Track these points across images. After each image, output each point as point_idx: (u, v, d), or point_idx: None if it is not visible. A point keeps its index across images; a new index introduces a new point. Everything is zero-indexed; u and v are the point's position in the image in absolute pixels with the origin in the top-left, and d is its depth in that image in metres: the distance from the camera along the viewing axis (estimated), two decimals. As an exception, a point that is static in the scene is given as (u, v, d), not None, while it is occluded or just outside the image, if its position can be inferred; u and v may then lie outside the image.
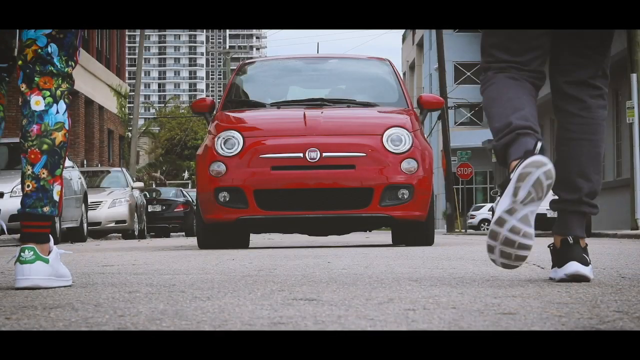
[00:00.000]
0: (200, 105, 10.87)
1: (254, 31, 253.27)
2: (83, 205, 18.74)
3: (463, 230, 40.32)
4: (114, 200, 23.45)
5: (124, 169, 27.03)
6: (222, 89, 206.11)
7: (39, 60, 3.64)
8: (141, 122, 71.63)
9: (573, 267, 3.59)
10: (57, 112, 3.61)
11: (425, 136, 10.54)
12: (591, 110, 3.80)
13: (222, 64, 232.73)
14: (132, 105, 43.50)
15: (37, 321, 2.40)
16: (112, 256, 7.65)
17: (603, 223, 29.67)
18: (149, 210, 30.53)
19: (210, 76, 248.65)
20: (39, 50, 3.63)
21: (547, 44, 3.81)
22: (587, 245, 3.71)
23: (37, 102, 3.61)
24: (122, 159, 43.92)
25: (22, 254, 3.50)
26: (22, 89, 3.66)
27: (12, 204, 15.74)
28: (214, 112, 10.75)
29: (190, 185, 65.92)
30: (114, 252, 9.24)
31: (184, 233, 32.83)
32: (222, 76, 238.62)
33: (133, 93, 43.27)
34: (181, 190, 35.13)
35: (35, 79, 3.63)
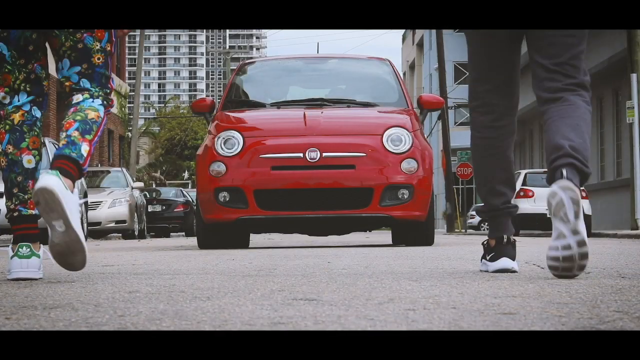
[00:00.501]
0: (200, 105, 10.87)
1: (254, 31, 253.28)
2: (83, 205, 18.75)
3: (463, 230, 40.33)
4: (114, 200, 23.45)
5: (124, 169, 27.03)
6: (222, 89, 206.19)
7: (77, 92, 4.20)
8: (141, 122, 71.63)
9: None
10: (93, 101, 4.14)
11: (425, 136, 10.54)
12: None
13: (222, 64, 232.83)
14: (132, 105, 43.51)
15: (37, 321, 2.40)
16: (112, 256, 7.65)
17: (603, 223, 29.67)
18: (149, 210, 30.53)
19: (210, 76, 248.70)
20: (74, 86, 4.20)
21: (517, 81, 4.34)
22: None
23: (77, 99, 4.17)
24: (122, 159, 43.93)
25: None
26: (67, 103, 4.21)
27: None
28: (214, 112, 10.75)
29: (190, 185, 65.91)
30: (114, 252, 9.24)
31: (184, 233, 32.83)
32: (222, 76, 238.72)
33: (133, 93, 43.28)
34: (181, 190, 35.12)
35: (74, 93, 4.21)
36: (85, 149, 3.98)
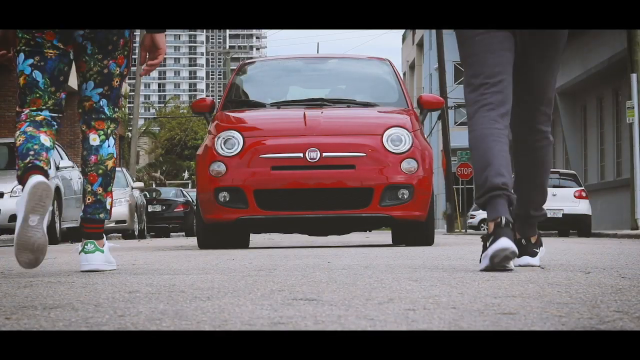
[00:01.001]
0: (200, 105, 10.87)
1: (254, 31, 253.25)
2: (83, 205, 18.73)
3: (463, 230, 40.33)
4: (114, 200, 23.45)
5: (124, 169, 27.02)
6: (222, 89, 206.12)
7: (94, 111, 4.94)
8: (141, 122, 71.61)
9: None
10: (109, 146, 4.96)
11: (425, 136, 10.54)
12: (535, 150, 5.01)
13: (222, 64, 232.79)
14: (132, 105, 43.46)
15: (37, 321, 2.40)
16: (112, 256, 7.64)
17: (603, 223, 29.68)
18: (149, 210, 30.52)
19: (210, 76, 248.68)
20: (94, 104, 4.92)
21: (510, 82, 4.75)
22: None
23: (94, 139, 4.95)
24: (122, 159, 43.92)
25: (85, 246, 4.94)
26: (83, 129, 4.99)
27: (12, 204, 15.74)
28: (214, 112, 10.75)
29: (190, 185, 65.92)
30: (114, 252, 9.23)
31: (184, 233, 32.83)
32: (222, 76, 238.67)
33: (133, 93, 43.23)
34: (181, 190, 35.12)
35: (92, 123, 4.95)
36: (109, 202, 5.10)
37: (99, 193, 5.04)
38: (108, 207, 5.08)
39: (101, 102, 4.91)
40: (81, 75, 4.88)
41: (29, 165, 4.65)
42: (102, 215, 5.06)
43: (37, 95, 4.78)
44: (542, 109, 4.93)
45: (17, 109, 4.87)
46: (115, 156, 5.04)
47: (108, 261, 5.02)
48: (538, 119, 4.95)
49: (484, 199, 4.50)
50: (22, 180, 4.64)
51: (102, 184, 5.01)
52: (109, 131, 4.96)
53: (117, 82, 4.90)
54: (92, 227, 5.03)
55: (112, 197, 5.10)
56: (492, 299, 2.91)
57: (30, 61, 4.78)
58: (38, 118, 4.79)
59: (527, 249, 5.03)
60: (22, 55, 4.77)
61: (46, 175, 4.61)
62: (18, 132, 4.75)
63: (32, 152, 4.66)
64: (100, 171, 4.97)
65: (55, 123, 4.84)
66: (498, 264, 4.33)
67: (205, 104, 10.85)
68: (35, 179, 4.44)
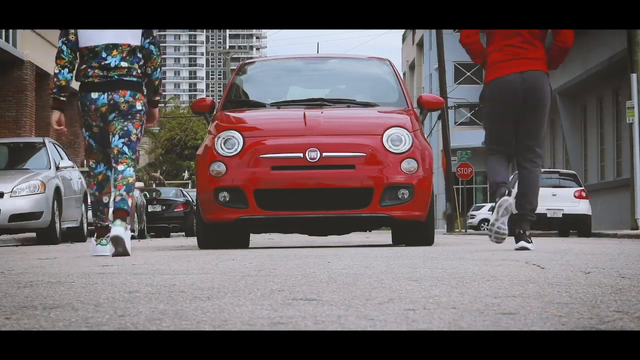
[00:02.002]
0: (200, 105, 10.87)
1: (254, 31, 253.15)
2: (83, 205, 18.73)
3: (463, 230, 40.32)
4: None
5: (124, 169, 26.97)
6: (222, 89, 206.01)
7: (120, 154, 7.77)
8: (141, 122, 71.33)
9: (520, 243, 7.90)
10: (130, 171, 7.76)
11: (425, 136, 10.54)
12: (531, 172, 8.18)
13: (222, 64, 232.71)
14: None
15: (37, 321, 2.40)
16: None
17: (603, 223, 29.67)
18: (149, 210, 30.52)
19: (210, 76, 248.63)
20: (119, 150, 7.78)
21: (513, 139, 8.24)
22: (531, 234, 8.12)
23: (120, 166, 7.74)
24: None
25: (114, 222, 7.40)
26: (113, 164, 7.81)
27: (12, 204, 15.74)
28: (214, 112, 10.75)
29: (190, 185, 65.90)
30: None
31: (184, 233, 32.83)
32: (222, 76, 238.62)
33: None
34: (181, 190, 35.10)
35: (119, 160, 7.77)
36: (130, 201, 7.67)
37: (123, 195, 7.64)
38: (129, 203, 7.67)
39: (124, 149, 7.78)
40: (111, 133, 7.80)
41: (98, 225, 8.15)
42: (125, 207, 7.58)
43: (94, 151, 8.06)
44: (535, 148, 8.14)
45: (84, 157, 8.05)
46: (134, 177, 7.82)
47: (127, 234, 7.43)
48: (533, 154, 8.15)
49: (493, 188, 8.07)
50: (97, 231, 8.13)
51: (126, 189, 7.67)
52: (130, 163, 7.78)
53: (134, 137, 7.86)
54: (119, 212, 7.54)
55: (132, 199, 7.72)
56: (492, 299, 2.91)
57: (87, 133, 7.98)
58: (100, 177, 8.12)
59: (524, 237, 7.94)
60: (83, 130, 7.98)
61: (108, 228, 7.91)
62: (90, 190, 8.33)
63: (99, 213, 8.18)
64: (125, 182, 7.70)
65: (108, 173, 8.06)
66: (504, 209, 7.86)
67: (205, 104, 10.85)
68: (114, 231, 7.40)
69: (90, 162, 8.04)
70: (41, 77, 29.65)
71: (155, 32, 7.65)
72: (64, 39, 7.55)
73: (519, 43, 7.45)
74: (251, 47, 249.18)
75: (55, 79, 7.84)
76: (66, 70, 7.72)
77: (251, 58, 31.10)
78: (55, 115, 7.91)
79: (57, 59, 7.73)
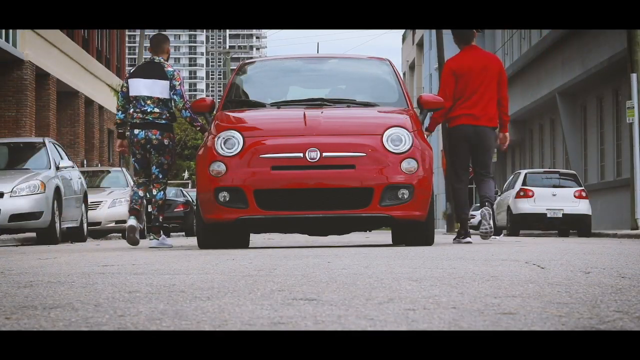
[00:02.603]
0: (200, 105, 10.87)
1: (254, 31, 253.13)
2: (83, 205, 18.74)
3: (463, 230, 40.22)
4: (114, 200, 23.46)
5: (124, 169, 27.03)
6: (222, 89, 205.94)
7: (155, 179, 10.97)
8: (141, 122, 71.36)
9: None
10: (162, 196, 10.93)
11: (425, 136, 10.54)
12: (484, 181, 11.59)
13: (222, 64, 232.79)
14: (132, 105, 43.35)
15: (37, 321, 2.40)
16: (112, 256, 7.65)
17: (603, 223, 29.67)
18: (149, 210, 30.48)
19: (210, 76, 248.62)
20: (155, 175, 10.94)
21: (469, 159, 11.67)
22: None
23: (155, 191, 10.98)
24: (122, 159, 43.91)
25: (149, 238, 10.72)
26: (151, 186, 10.99)
27: (12, 204, 15.74)
28: (214, 112, 10.75)
29: (190, 185, 65.89)
30: (114, 252, 9.24)
31: (184, 233, 32.83)
32: (222, 76, 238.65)
33: (133, 93, 43.11)
34: (181, 190, 35.10)
35: (155, 184, 10.96)
36: (160, 218, 10.89)
37: (155, 214, 10.88)
38: (160, 220, 10.93)
39: (159, 174, 10.99)
40: (152, 163, 10.95)
41: (132, 206, 10.91)
42: (157, 224, 10.65)
43: (138, 172, 11.04)
44: (486, 170, 11.68)
45: (133, 176, 11.39)
46: (164, 199, 10.99)
47: (151, 243, 10.60)
48: (484, 172, 11.67)
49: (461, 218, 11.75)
50: (130, 213, 10.99)
51: (157, 210, 10.88)
52: (162, 187, 10.96)
53: (165, 165, 11.04)
54: (153, 228, 10.77)
55: (162, 216, 11.03)
56: (492, 299, 2.91)
57: (133, 159, 11.05)
58: (140, 181, 11.03)
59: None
60: (131, 156, 11.08)
61: (139, 213, 10.96)
62: (131, 191, 11.25)
63: (135, 199, 10.92)
64: (157, 205, 10.95)
65: (149, 183, 10.99)
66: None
67: (205, 104, 10.84)
68: (130, 222, 10.53)
69: (136, 178, 11.31)
70: (41, 77, 29.65)
71: (177, 85, 10.98)
72: (120, 90, 11.21)
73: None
74: (251, 47, 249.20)
75: (116, 118, 11.30)
76: (120, 112, 11.15)
77: (251, 58, 31.09)
78: (117, 142, 11.53)
79: (117, 104, 11.26)
